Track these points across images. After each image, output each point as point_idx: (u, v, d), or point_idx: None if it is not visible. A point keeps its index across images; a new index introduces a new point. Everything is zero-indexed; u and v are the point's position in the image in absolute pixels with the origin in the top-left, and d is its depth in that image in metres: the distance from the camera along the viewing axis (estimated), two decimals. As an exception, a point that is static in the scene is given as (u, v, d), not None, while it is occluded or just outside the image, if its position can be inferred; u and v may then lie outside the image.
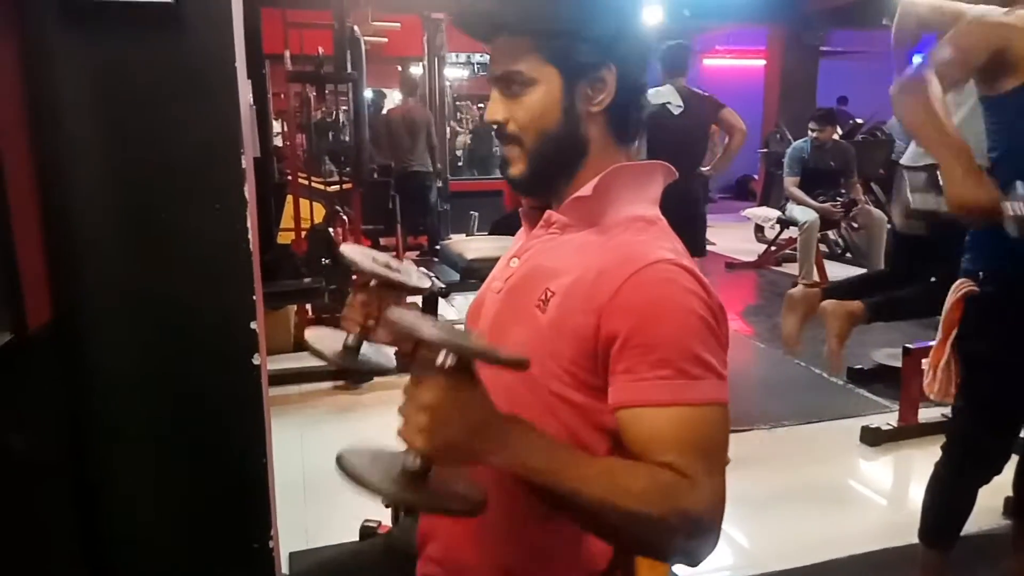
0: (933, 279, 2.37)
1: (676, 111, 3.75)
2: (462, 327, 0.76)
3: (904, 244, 2.74)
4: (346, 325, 0.99)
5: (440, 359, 0.70)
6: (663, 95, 3.75)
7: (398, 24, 5.95)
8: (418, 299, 1.91)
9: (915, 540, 1.96)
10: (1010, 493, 2.37)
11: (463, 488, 0.75)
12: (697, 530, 0.76)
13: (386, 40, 5.75)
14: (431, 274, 1.71)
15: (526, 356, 0.84)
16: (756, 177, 10.06)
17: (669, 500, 0.74)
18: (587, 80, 0.89)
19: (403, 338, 0.96)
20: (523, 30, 0.89)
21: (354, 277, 1.02)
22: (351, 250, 1.00)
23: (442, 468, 0.73)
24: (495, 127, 0.93)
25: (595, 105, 0.90)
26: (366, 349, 0.99)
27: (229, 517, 1.41)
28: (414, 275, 1.01)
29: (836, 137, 5.63)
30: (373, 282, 1.00)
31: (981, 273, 1.66)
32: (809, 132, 5.38)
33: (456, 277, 2.71)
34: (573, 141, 0.91)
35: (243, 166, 1.29)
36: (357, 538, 1.68)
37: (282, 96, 6.86)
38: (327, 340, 1.00)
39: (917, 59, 2.59)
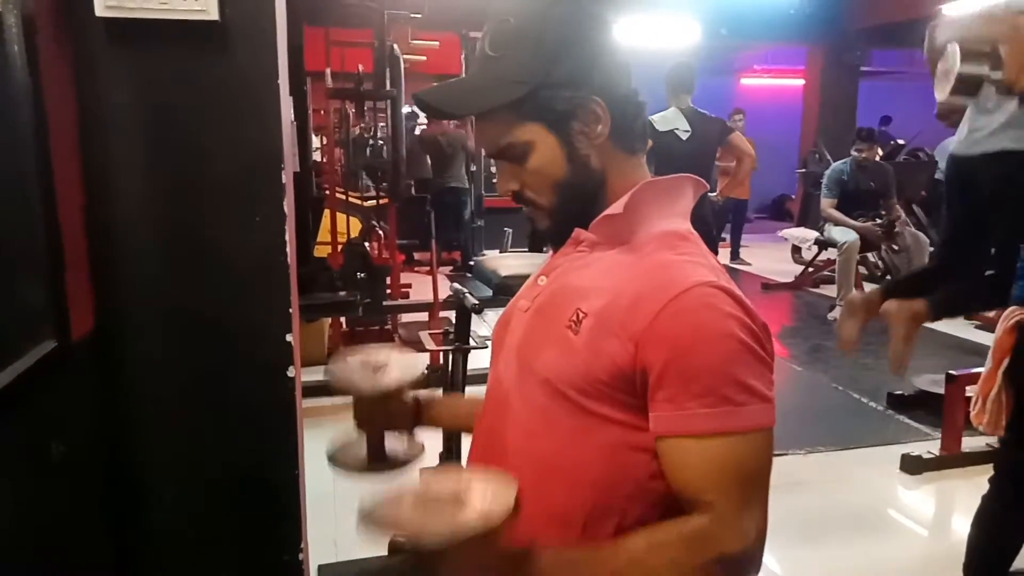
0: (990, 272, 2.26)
1: (684, 136, 3.71)
2: (443, 485, 0.76)
3: (950, 229, 2.58)
4: (361, 433, 1.05)
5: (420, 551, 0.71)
6: (669, 120, 3.71)
7: (437, 43, 6.01)
8: (451, 314, 1.92)
9: (957, 574, 1.90)
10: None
11: None
12: (739, 568, 0.79)
13: (425, 58, 5.81)
14: (464, 290, 1.72)
15: (557, 377, 0.85)
16: (793, 197, 9.94)
17: (704, 553, 0.77)
18: (577, 120, 0.88)
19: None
20: (491, 109, 0.89)
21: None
22: (337, 371, 1.03)
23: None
24: (511, 195, 0.93)
25: (596, 137, 0.89)
26: (390, 442, 1.04)
27: (260, 528, 1.42)
28: (403, 368, 1.03)
29: (876, 158, 5.54)
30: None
31: None
32: (854, 152, 5.27)
33: (489, 293, 2.71)
34: (589, 178, 0.90)
35: (283, 181, 1.31)
36: (386, 553, 1.68)
37: (322, 112, 6.97)
38: (350, 450, 1.05)
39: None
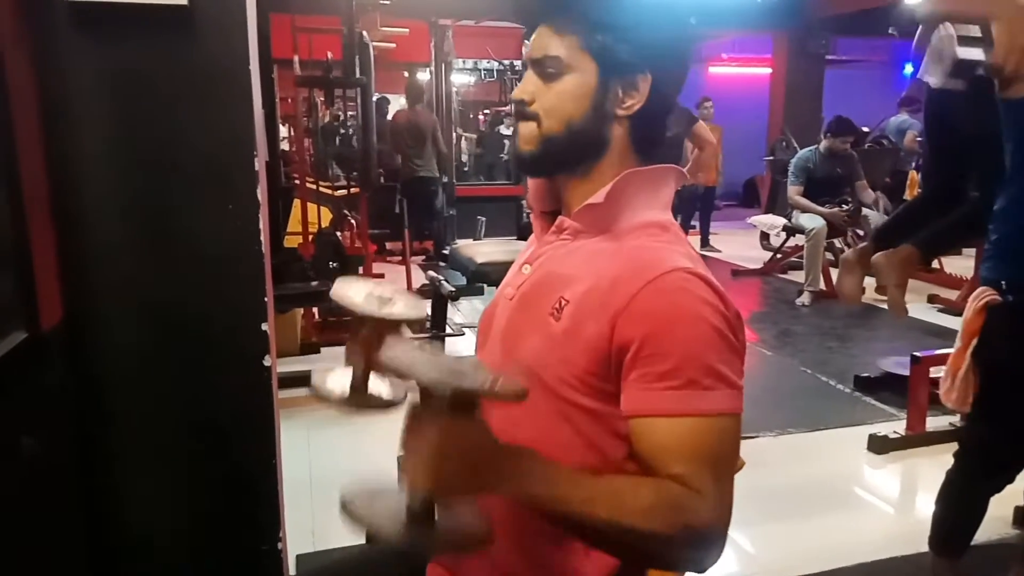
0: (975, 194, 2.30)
1: None
2: (461, 359, 0.75)
3: (933, 159, 2.63)
4: (350, 362, 0.98)
5: (438, 396, 0.70)
6: None
7: (406, 30, 5.97)
8: (424, 303, 1.91)
9: (922, 549, 1.95)
10: (1020, 503, 2.37)
11: (468, 521, 0.75)
12: (704, 542, 0.78)
13: (394, 46, 5.77)
14: (441, 278, 1.71)
15: (538, 364, 0.86)
16: (763, 175, 9.99)
17: (676, 515, 0.76)
18: (621, 81, 0.89)
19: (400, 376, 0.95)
20: (573, 16, 0.89)
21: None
22: (343, 287, 0.95)
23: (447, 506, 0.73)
24: (517, 103, 0.92)
25: (624, 108, 0.90)
26: (374, 383, 0.97)
27: (238, 519, 1.41)
28: (409, 306, 0.98)
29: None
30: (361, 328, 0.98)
31: (1004, 282, 1.64)
32: (839, 144, 5.29)
33: (463, 282, 2.71)
34: (593, 138, 0.91)
35: (256, 168, 1.30)
36: (364, 541, 1.68)
37: (289, 101, 6.88)
38: (334, 379, 0.98)
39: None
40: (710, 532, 0.77)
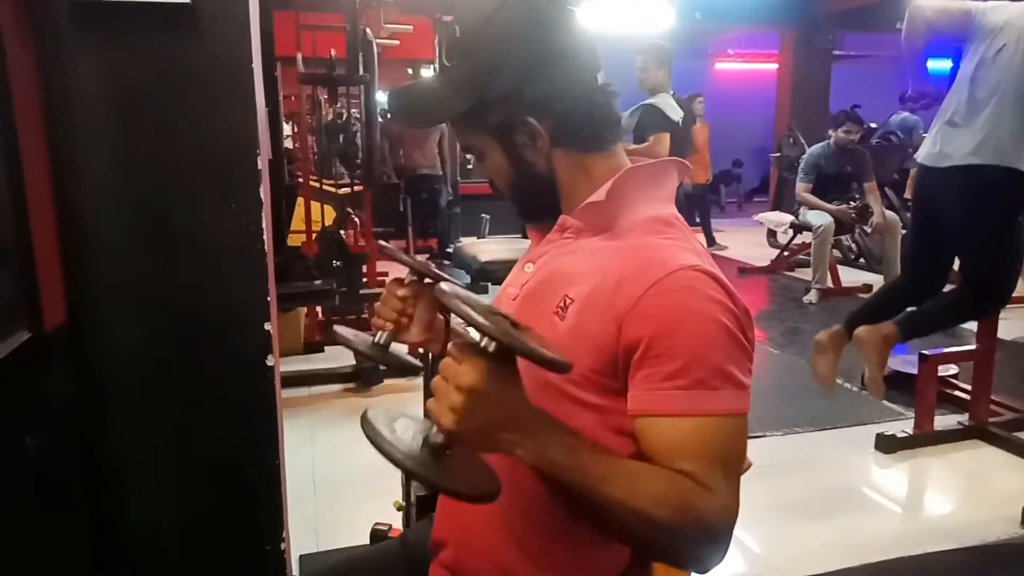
0: (955, 271, 2.41)
1: (680, 123, 3.89)
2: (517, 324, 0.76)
3: (917, 244, 2.72)
4: (377, 323, 1.11)
5: (485, 343, 0.71)
6: (675, 109, 3.90)
7: (411, 27, 5.95)
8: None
9: (930, 549, 1.94)
10: (1028, 502, 2.35)
11: (478, 473, 0.74)
12: (710, 539, 0.76)
13: (398, 43, 5.75)
14: (447, 276, 1.71)
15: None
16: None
17: (686, 508, 0.74)
18: (517, 132, 0.90)
19: (447, 312, 1.05)
20: (440, 121, 0.97)
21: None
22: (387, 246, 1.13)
23: (463, 450, 0.73)
24: (487, 181, 1.00)
25: (539, 149, 0.91)
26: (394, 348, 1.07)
27: (241, 519, 1.40)
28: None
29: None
30: (409, 276, 1.11)
31: None
32: (841, 134, 5.24)
33: (468, 280, 2.70)
34: (536, 181, 0.93)
35: (259, 167, 1.29)
36: (368, 541, 1.68)
37: (293, 98, 6.88)
38: (355, 337, 1.09)
39: (931, 64, 2.58)
40: (718, 529, 0.76)
